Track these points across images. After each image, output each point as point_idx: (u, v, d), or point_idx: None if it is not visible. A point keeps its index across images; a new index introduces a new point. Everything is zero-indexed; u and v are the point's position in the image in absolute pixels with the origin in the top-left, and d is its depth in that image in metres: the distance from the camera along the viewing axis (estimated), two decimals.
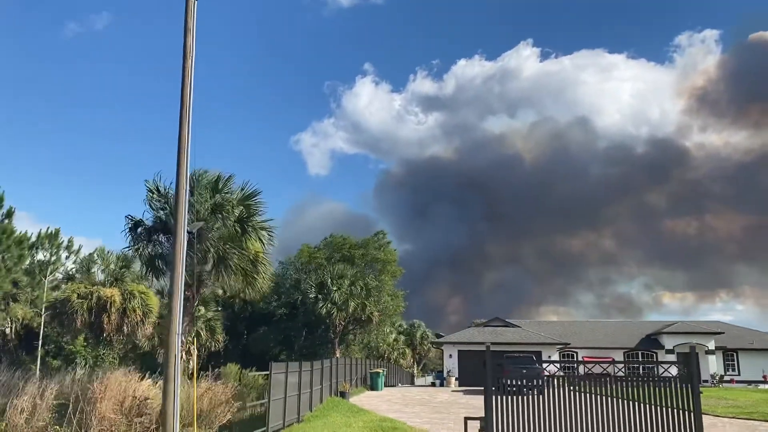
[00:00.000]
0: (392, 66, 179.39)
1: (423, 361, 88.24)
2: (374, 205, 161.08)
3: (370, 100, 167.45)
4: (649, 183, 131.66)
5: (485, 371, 41.89)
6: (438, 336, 48.86)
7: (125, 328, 25.58)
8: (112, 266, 26.94)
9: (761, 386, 42.17)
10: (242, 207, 15.41)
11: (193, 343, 12.60)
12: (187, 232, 13.11)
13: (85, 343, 36.69)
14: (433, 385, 43.28)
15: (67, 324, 25.46)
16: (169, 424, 12.11)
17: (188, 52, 13.69)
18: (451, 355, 41.34)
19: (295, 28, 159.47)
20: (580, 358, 46.83)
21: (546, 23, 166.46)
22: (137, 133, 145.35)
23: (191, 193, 16.05)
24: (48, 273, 34.99)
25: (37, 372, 34.56)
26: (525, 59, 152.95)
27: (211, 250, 14.83)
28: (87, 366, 35.08)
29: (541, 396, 14.34)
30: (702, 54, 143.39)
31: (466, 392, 33.44)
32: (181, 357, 17.20)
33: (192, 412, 16.90)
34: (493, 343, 40.70)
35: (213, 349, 37.03)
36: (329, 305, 38.29)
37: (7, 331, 37.57)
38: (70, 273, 29.24)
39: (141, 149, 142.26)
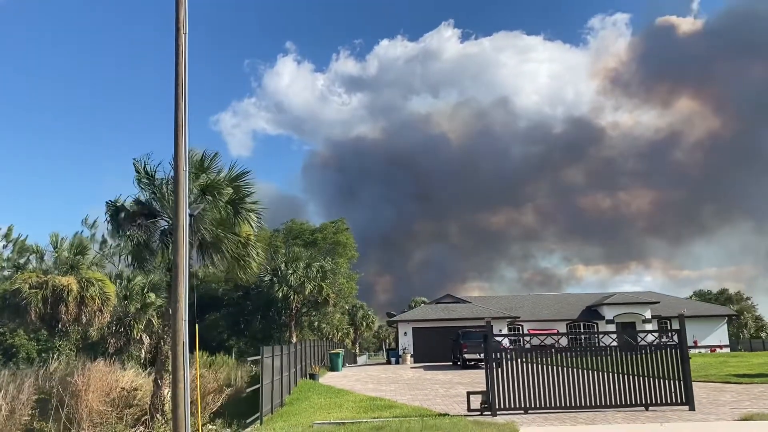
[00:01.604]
0: (314, 45, 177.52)
1: (358, 340, 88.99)
2: (303, 186, 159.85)
3: (292, 80, 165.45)
4: (566, 161, 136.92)
5: (444, 347, 42.08)
6: (389, 315, 49.31)
7: (83, 317, 24.45)
8: (65, 254, 25.59)
9: (692, 351, 44.89)
10: (232, 188, 14.91)
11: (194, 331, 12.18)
12: (189, 215, 12.62)
13: (29, 336, 34.89)
14: (388, 363, 43.66)
15: (19, 316, 24.07)
16: (180, 414, 11.71)
17: (181, 26, 13.06)
18: (406, 333, 41.76)
19: (214, 3, 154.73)
20: (526, 331, 48.39)
21: (466, 4, 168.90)
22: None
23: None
24: None
25: None
26: (446, 40, 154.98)
27: (204, 233, 14.32)
28: (33, 359, 33.42)
29: (533, 366, 14.76)
30: (613, 36, 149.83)
31: (426, 368, 33.94)
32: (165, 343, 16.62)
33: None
34: (447, 319, 41.81)
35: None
36: (285, 288, 37.86)
37: None
38: (18, 263, 27.57)
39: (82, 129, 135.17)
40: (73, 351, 27.22)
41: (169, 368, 16.09)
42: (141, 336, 33.70)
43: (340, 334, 66.91)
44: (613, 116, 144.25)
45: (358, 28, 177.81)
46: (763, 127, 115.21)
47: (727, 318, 53.90)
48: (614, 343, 15.30)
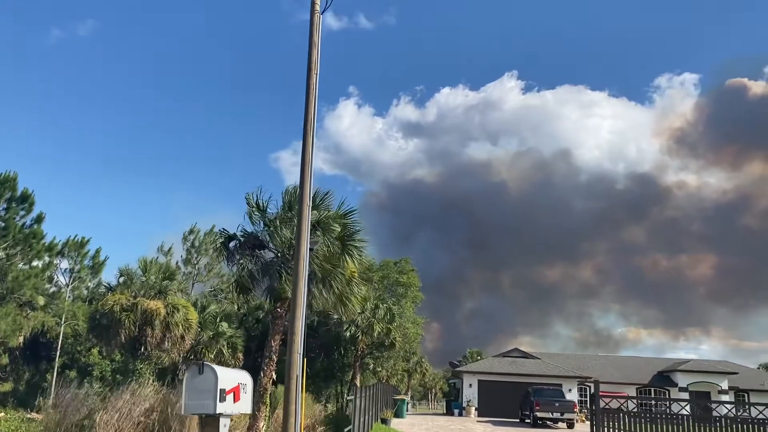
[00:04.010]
0: (376, 90, 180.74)
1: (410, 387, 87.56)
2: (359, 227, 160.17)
3: (352, 123, 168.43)
4: (628, 218, 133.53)
5: (510, 402, 41.15)
6: (453, 365, 48.32)
7: (167, 342, 24.84)
8: (153, 278, 26.30)
9: None
10: (340, 224, 15.03)
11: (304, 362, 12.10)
12: (309, 249, 12.73)
13: (103, 355, 35.67)
14: (449, 413, 42.65)
15: (107, 336, 24.64)
16: None
17: (313, 66, 13.46)
18: (471, 385, 40.80)
19: (284, 48, 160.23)
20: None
21: (531, 57, 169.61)
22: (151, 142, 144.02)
23: (289, 209, 15.69)
24: (71, 281, 34.12)
25: (53, 384, 33.49)
26: (508, 91, 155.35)
27: (315, 268, 14.41)
28: (107, 379, 34.09)
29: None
30: (680, 96, 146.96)
31: (494, 423, 32.97)
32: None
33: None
34: (515, 374, 40.68)
35: (235, 367, 36.22)
36: (353, 328, 37.64)
37: (20, 340, 36.42)
38: (109, 285, 28.48)
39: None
40: (152, 375, 27.60)
41: (267, 401, 16.09)
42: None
43: (395, 379, 66.08)
44: (677, 176, 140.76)
45: (420, 75, 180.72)
46: None
47: None
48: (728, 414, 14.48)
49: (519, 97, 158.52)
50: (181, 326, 25.08)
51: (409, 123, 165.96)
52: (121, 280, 26.59)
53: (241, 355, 37.81)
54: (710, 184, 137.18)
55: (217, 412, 8.28)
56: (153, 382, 25.40)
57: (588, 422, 39.11)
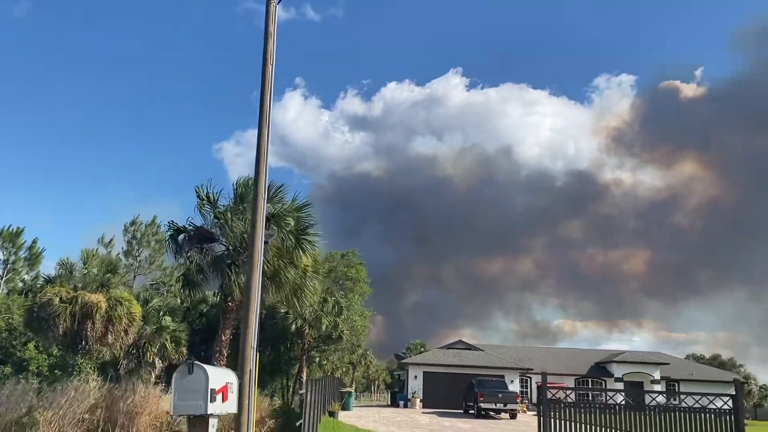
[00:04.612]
0: (323, 82, 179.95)
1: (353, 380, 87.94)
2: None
3: (298, 114, 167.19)
4: (567, 214, 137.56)
5: (455, 393, 41.86)
6: (398, 357, 48.70)
7: (109, 336, 24.11)
8: (95, 270, 25.43)
9: None
10: (295, 218, 14.93)
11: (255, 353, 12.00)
12: (264, 242, 12.62)
13: (40, 350, 34.35)
14: (393, 405, 43.01)
15: (45, 330, 23.71)
16: None
17: (269, 57, 13.34)
18: (416, 376, 41.24)
19: (227, 36, 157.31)
20: (534, 383, 47.87)
21: (475, 55, 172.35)
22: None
23: (241, 201, 15.47)
24: (5, 273, 32.74)
25: None
26: (453, 87, 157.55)
27: (268, 262, 14.26)
28: (44, 374, 32.87)
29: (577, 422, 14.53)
30: (618, 96, 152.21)
31: (439, 415, 33.43)
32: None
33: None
34: (459, 366, 41.35)
35: (178, 362, 35.54)
36: (300, 321, 37.45)
37: None
38: (48, 277, 27.31)
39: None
40: (94, 370, 26.78)
41: None
42: (154, 359, 33.24)
43: (340, 372, 66.14)
44: (614, 174, 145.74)
45: (367, 69, 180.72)
46: (762, 197, 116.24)
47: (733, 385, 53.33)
48: (655, 402, 15.14)
49: (463, 93, 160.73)
50: (124, 320, 24.42)
51: (356, 116, 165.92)
52: (61, 272, 25.59)
53: (184, 350, 37.09)
54: (644, 182, 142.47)
55: (208, 412, 8.15)
56: (96, 377, 24.70)
57: (529, 413, 40.20)
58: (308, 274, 15.55)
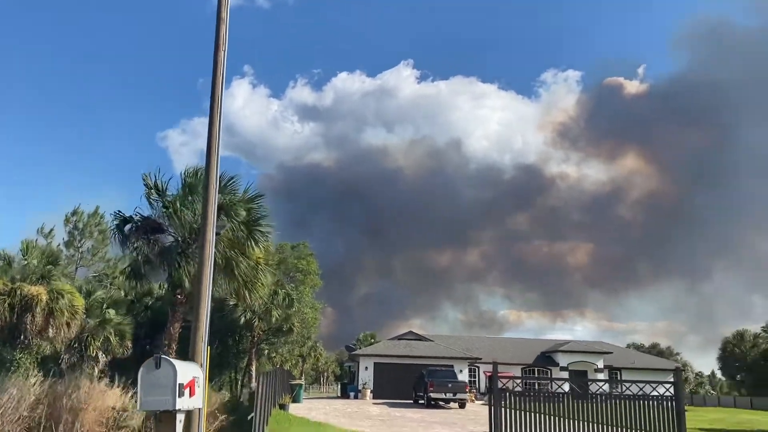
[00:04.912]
0: (272, 71, 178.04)
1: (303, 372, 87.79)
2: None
3: (246, 103, 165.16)
4: (513, 207, 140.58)
5: (405, 384, 42.05)
6: (349, 349, 48.70)
7: (50, 330, 23.26)
8: (35, 262, 24.43)
9: None
10: (247, 209, 14.68)
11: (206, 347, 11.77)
12: (216, 233, 12.36)
13: None
14: (344, 397, 43.00)
15: None
16: None
17: (221, 43, 12.99)
18: (367, 368, 41.33)
19: (174, 23, 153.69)
20: (483, 373, 48.68)
21: (426, 47, 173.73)
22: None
23: (191, 191, 15.12)
24: None
25: None
26: (404, 79, 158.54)
27: (219, 254, 13.98)
28: None
29: (526, 411, 14.86)
30: (564, 92, 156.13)
31: (389, 405, 33.61)
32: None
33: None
34: (409, 356, 41.64)
35: (123, 355, 34.66)
36: (250, 314, 37.02)
37: None
38: None
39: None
40: (33, 365, 25.79)
41: None
42: (97, 353, 32.34)
43: (289, 364, 65.83)
44: (560, 168, 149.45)
45: (318, 59, 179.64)
46: (699, 192, 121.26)
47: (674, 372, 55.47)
48: (599, 391, 15.58)
49: (414, 85, 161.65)
50: (66, 313, 23.57)
51: (306, 106, 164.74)
52: None
53: (129, 343, 36.22)
54: (589, 176, 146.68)
55: (177, 407, 7.93)
56: (36, 372, 23.83)
57: (477, 402, 40.85)
58: (260, 266, 15.33)
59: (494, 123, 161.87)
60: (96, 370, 32.73)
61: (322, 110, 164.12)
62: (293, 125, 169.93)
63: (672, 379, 15.30)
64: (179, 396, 8.06)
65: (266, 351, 43.07)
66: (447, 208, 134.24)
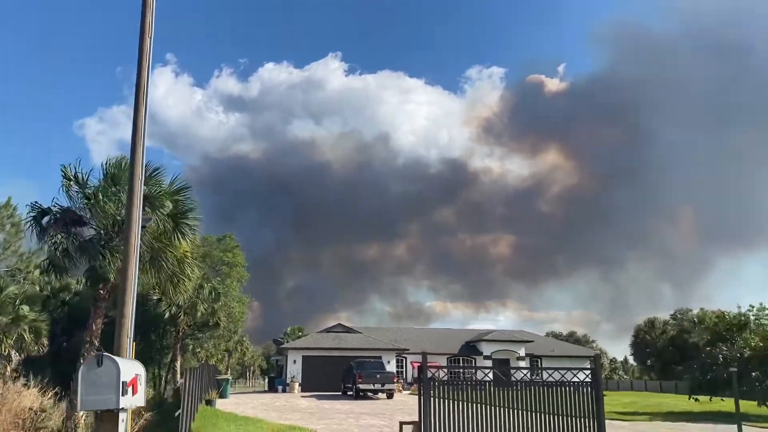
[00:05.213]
0: (196, 59, 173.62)
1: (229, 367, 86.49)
2: None
3: (168, 92, 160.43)
4: (439, 201, 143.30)
5: (334, 376, 42.28)
6: (277, 342, 48.25)
7: None
8: None
9: None
10: (173, 201, 14.31)
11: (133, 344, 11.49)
12: (141, 226, 12.02)
13: None
14: (272, 391, 42.67)
15: None
16: None
17: (147, 29, 12.66)
18: (295, 361, 41.15)
19: (91, 7, 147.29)
20: (410, 363, 49.42)
21: (354, 40, 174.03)
22: None
23: (113, 182, 14.62)
24: None
25: None
26: (331, 72, 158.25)
27: (144, 247, 13.57)
28: None
29: (455, 400, 15.29)
30: (488, 88, 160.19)
31: (318, 398, 33.64)
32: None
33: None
34: (338, 348, 41.75)
35: (38, 354, 33.15)
36: (175, 308, 36.07)
37: None
38: None
39: None
40: None
41: None
42: (9, 352, 30.81)
43: (215, 359, 64.61)
44: (484, 162, 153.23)
45: (244, 49, 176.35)
46: (614, 187, 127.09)
47: (590, 359, 58.10)
48: (523, 378, 16.18)
49: (342, 78, 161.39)
50: None
51: (231, 96, 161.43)
52: None
53: (45, 341, 34.69)
54: (512, 170, 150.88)
55: (120, 406, 7.64)
56: None
57: (404, 392, 41.47)
58: (187, 260, 14.99)
59: (421, 118, 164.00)
60: (8, 369, 31.16)
61: (248, 101, 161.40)
62: (218, 116, 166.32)
63: (590, 366, 16.05)
64: (123, 394, 7.84)
65: (191, 346, 42.13)
66: (375, 202, 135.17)
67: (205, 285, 37.60)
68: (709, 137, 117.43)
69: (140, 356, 39.68)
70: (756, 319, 27.07)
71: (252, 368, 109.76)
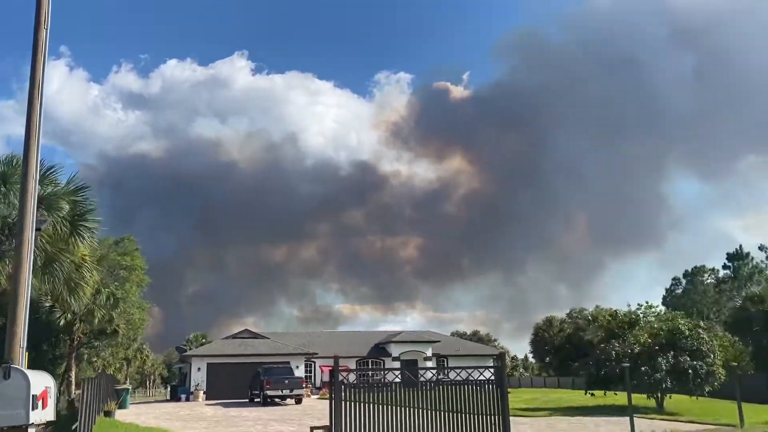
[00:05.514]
0: (93, 54, 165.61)
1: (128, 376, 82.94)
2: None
3: (61, 87, 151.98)
4: (349, 203, 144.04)
5: (241, 383, 41.71)
6: (180, 350, 46.56)
7: None
8: None
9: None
10: (71, 202, 13.54)
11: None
12: (36, 229, 11.33)
13: None
14: (175, 399, 41.22)
15: None
16: None
17: (43, 20, 12.12)
18: (199, 368, 39.93)
19: None
20: (318, 367, 49.20)
21: (261, 39, 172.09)
22: None
23: (4, 182, 13.69)
24: None
25: None
26: (238, 70, 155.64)
27: (38, 251, 12.73)
28: None
29: (377, 403, 15.41)
30: (396, 93, 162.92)
31: (224, 405, 32.83)
32: None
33: None
34: (245, 355, 40.91)
35: None
36: (69, 316, 34.05)
37: None
38: None
39: None
40: None
41: None
42: None
43: (112, 369, 61.60)
44: (392, 166, 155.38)
45: (145, 44, 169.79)
46: (515, 191, 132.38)
47: (493, 357, 60.03)
48: (432, 378, 16.57)
49: (249, 77, 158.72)
50: None
51: (131, 93, 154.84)
52: None
53: None
54: (419, 174, 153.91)
55: (30, 421, 6.98)
56: None
57: (313, 396, 41.23)
58: (86, 264, 14.22)
59: (330, 120, 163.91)
60: None
61: (149, 98, 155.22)
62: (116, 113, 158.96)
63: (494, 364, 16.57)
64: (33, 409, 7.27)
65: (86, 355, 39.96)
66: (283, 203, 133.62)
67: (103, 290, 35.71)
68: (602, 146, 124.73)
69: (32, 367, 37.44)
70: (644, 316, 28.93)
71: (152, 377, 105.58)
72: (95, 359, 48.88)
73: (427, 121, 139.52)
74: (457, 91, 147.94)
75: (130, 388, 32.65)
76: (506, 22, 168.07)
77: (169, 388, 50.78)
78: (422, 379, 17.66)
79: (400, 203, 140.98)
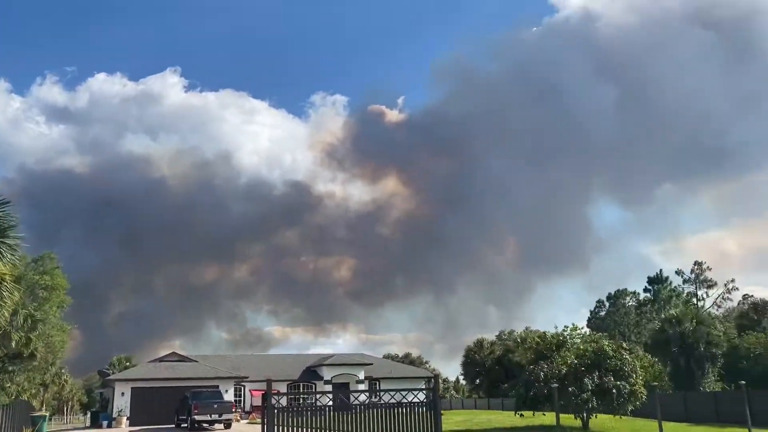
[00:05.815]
0: (14, 64, 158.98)
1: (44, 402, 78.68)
2: None
3: None
4: (282, 223, 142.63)
5: (168, 408, 40.77)
6: (102, 374, 44.51)
7: None
8: None
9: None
10: None
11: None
12: None
13: None
14: (95, 426, 39.35)
15: None
16: None
17: None
18: (123, 393, 38.28)
19: None
20: (248, 391, 48.12)
21: (194, 57, 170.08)
22: None
23: None
24: None
25: None
26: (170, 87, 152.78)
27: None
28: None
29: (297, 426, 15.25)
30: (332, 114, 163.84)
31: None
32: None
33: None
34: (172, 378, 39.60)
35: None
36: None
37: None
38: None
39: None
40: None
41: None
42: None
43: (27, 395, 58.27)
44: (327, 186, 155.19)
45: (71, 57, 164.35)
46: (447, 214, 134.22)
47: (426, 380, 60.33)
48: (366, 401, 16.58)
49: (181, 94, 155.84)
50: None
51: (55, 106, 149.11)
52: None
53: None
54: (354, 195, 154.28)
55: None
56: None
57: (242, 420, 40.26)
58: (5, 283, 13.50)
59: (265, 139, 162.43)
60: None
61: (75, 112, 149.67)
62: (39, 126, 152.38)
63: (426, 386, 16.75)
64: None
65: (1, 381, 37.67)
66: (214, 222, 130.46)
67: (20, 311, 33.92)
68: (531, 171, 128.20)
69: None
70: (571, 338, 29.87)
71: (71, 403, 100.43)
72: (9, 384, 46.14)
73: (362, 143, 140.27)
74: (392, 115, 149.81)
75: (47, 415, 30.96)
76: (440, 48, 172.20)
77: (89, 415, 48.38)
78: (356, 402, 17.63)
79: (334, 224, 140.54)
